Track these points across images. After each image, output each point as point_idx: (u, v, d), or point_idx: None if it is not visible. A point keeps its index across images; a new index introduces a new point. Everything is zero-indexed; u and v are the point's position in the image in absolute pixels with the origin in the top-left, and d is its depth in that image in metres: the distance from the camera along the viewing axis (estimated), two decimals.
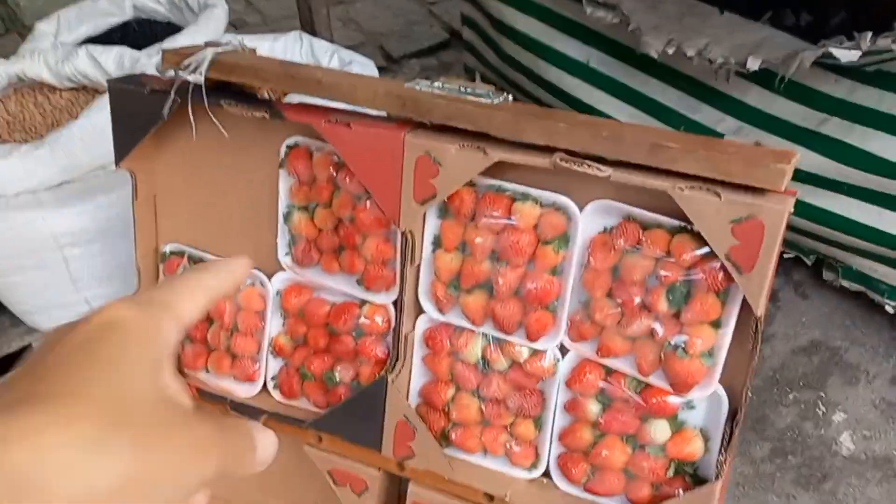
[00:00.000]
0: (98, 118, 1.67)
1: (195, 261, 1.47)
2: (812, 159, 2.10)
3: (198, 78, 1.25)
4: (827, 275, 2.42)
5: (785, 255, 2.53)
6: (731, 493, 2.02)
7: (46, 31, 2.27)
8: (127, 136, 1.36)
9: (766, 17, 2.40)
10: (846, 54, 1.89)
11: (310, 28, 2.78)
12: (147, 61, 1.84)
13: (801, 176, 2.15)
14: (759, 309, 1.05)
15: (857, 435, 2.13)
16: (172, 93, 1.27)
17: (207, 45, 1.29)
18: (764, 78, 2.12)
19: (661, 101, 2.42)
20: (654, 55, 2.21)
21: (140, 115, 1.33)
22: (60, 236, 1.68)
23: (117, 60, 1.88)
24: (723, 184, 1.03)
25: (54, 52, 1.90)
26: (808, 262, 2.46)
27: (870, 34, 1.87)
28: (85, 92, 2.00)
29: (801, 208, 2.22)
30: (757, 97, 2.19)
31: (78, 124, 1.67)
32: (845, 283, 2.37)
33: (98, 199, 1.70)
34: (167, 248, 1.49)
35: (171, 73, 1.29)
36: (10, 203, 1.67)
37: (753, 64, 2.01)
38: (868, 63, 1.96)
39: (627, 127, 1.08)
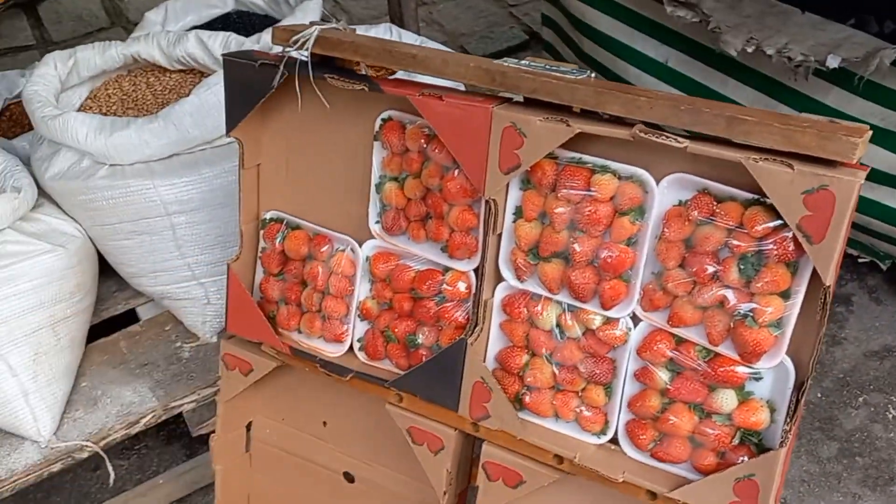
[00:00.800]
0: (207, 96, 1.81)
1: (293, 227, 1.58)
2: (889, 159, 2.10)
3: (303, 53, 1.36)
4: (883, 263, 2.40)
5: (860, 260, 2.51)
6: (796, 491, 2.03)
7: (154, 20, 2.44)
8: (238, 107, 1.49)
9: (850, 23, 2.40)
10: None
11: (398, 23, 2.90)
12: (252, 46, 1.97)
13: (877, 177, 2.15)
14: (829, 279, 1.09)
15: None
16: (281, 66, 1.38)
17: (313, 23, 1.41)
18: (843, 78, 2.12)
19: (738, 101, 2.45)
20: (734, 53, 2.24)
21: (250, 86, 1.45)
22: (169, 204, 1.83)
23: (224, 44, 2.02)
24: (796, 156, 1.08)
25: (166, 35, 2.06)
26: (883, 267, 2.44)
27: None
28: (192, 74, 2.15)
29: (877, 209, 2.21)
30: (835, 97, 2.19)
31: (189, 101, 1.82)
32: None
33: (203, 171, 1.84)
34: (268, 215, 1.61)
35: (280, 48, 1.41)
36: (125, 171, 1.82)
37: (833, 62, 2.03)
38: None
39: (705, 102, 1.14)
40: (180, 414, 1.91)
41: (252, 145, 1.56)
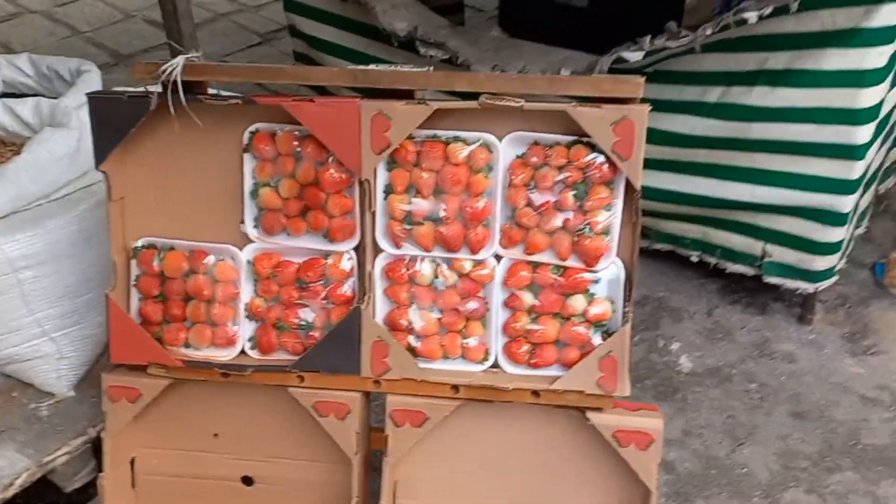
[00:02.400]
0: (40, 152, 1.83)
1: (167, 249, 1.69)
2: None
3: (176, 78, 1.52)
4: (642, 242, 2.98)
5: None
6: None
7: None
8: (105, 141, 1.59)
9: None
10: (633, 56, 2.48)
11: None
12: (64, 106, 2.02)
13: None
14: (638, 185, 1.49)
15: (692, 356, 2.65)
16: (156, 93, 1.53)
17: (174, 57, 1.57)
18: None
19: None
20: None
21: (119, 119, 1.57)
22: (15, 260, 1.79)
23: (34, 108, 2.04)
24: (602, 100, 1.47)
25: None
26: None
27: (649, 37, 2.47)
28: (1, 145, 2.12)
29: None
30: None
31: (22, 158, 1.82)
32: (658, 246, 2.93)
33: (46, 224, 1.83)
34: (139, 243, 1.70)
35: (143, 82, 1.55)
36: None
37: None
38: (649, 63, 2.56)
39: (531, 75, 1.51)
40: (44, 482, 1.86)
41: (116, 179, 1.65)
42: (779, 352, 2.65)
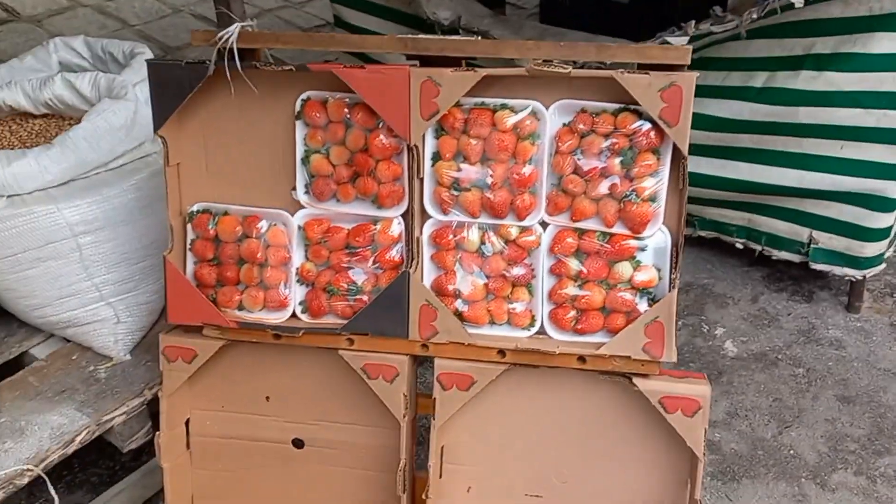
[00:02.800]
0: (99, 121, 1.90)
1: (221, 214, 1.74)
2: None
3: (233, 44, 1.57)
4: (686, 230, 2.97)
5: None
6: None
7: None
8: (164, 107, 1.65)
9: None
10: (677, 40, 2.48)
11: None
12: (121, 80, 2.09)
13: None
14: (685, 151, 1.50)
15: (737, 341, 2.64)
16: (214, 56, 1.58)
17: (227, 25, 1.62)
18: None
19: None
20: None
21: (177, 85, 1.62)
22: (75, 225, 1.86)
23: (92, 83, 2.11)
24: (649, 66, 1.48)
25: (30, 81, 2.10)
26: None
27: (693, 21, 2.47)
28: (55, 118, 2.19)
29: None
30: None
31: (82, 126, 1.89)
32: (702, 233, 2.92)
33: (104, 192, 1.89)
34: (194, 208, 1.75)
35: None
36: (25, 200, 1.83)
37: None
38: (694, 49, 2.56)
39: (579, 42, 1.53)
40: (100, 442, 1.92)
41: (173, 145, 1.71)
42: (826, 338, 2.63)
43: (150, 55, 2.47)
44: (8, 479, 1.70)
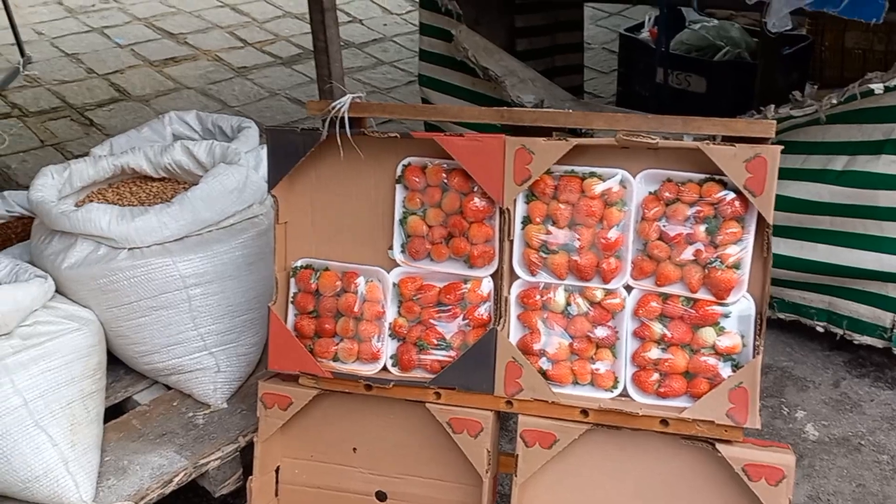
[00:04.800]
0: (215, 184, 2.06)
1: (322, 270, 1.86)
2: None
3: (343, 113, 1.72)
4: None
5: None
6: None
7: (100, 154, 2.67)
8: (279, 169, 1.80)
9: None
10: None
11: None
12: (234, 148, 2.27)
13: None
14: (770, 219, 1.56)
15: (818, 425, 2.60)
16: (326, 124, 1.73)
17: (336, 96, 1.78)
18: None
19: None
20: None
21: (292, 149, 1.78)
22: (187, 277, 2.01)
23: (208, 150, 2.30)
24: (733, 139, 1.57)
25: (152, 147, 2.31)
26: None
27: (773, 105, 2.56)
28: (171, 182, 2.39)
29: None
30: None
31: (200, 188, 2.06)
32: (781, 315, 2.92)
33: (214, 248, 2.04)
34: (298, 263, 1.88)
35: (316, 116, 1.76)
36: (144, 252, 1.99)
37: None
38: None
39: (665, 115, 1.63)
40: (193, 486, 2.01)
41: (283, 204, 1.85)
42: None
43: (255, 129, 2.67)
44: None
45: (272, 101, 5.09)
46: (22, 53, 5.07)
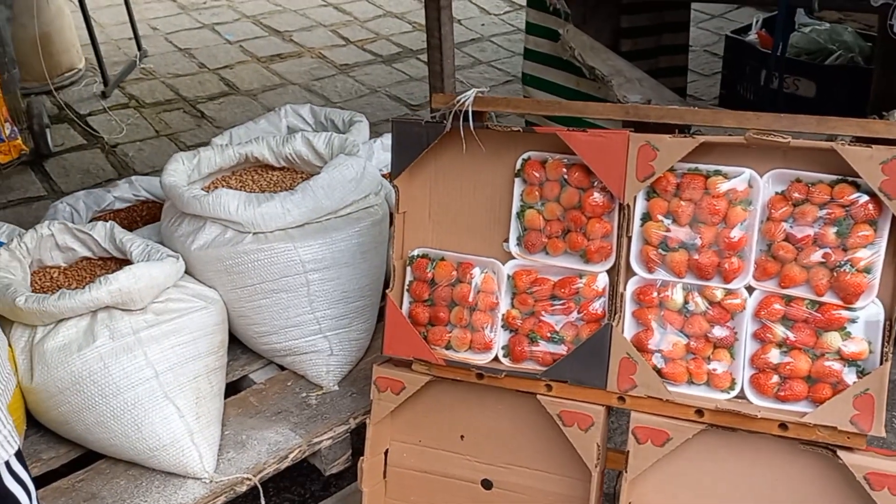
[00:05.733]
0: (335, 174, 2.14)
1: (438, 259, 1.90)
2: None
3: (468, 106, 1.75)
4: None
5: None
6: None
7: (219, 143, 2.79)
8: (402, 159, 1.85)
9: None
10: None
11: None
12: (353, 140, 2.34)
13: None
14: None
15: None
16: (450, 117, 1.77)
17: (464, 90, 1.81)
18: None
19: None
20: None
21: (415, 140, 1.82)
22: (307, 262, 2.09)
23: (327, 141, 2.38)
24: (870, 139, 1.53)
25: (275, 137, 2.40)
26: None
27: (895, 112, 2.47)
28: (290, 172, 2.47)
29: None
30: None
31: (321, 177, 2.13)
32: None
33: (333, 235, 2.11)
34: (415, 252, 1.92)
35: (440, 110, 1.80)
36: (268, 237, 2.08)
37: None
38: None
39: (797, 115, 1.60)
40: (303, 464, 2.08)
41: (404, 194, 1.90)
42: None
43: (366, 123, 2.75)
44: (230, 486, 1.89)
45: (372, 97, 5.19)
46: (139, 47, 5.33)
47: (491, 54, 6.02)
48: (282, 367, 2.27)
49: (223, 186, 2.34)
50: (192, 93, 5.03)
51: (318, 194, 2.11)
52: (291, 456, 1.98)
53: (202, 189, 2.32)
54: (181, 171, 2.24)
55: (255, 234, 2.08)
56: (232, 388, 2.22)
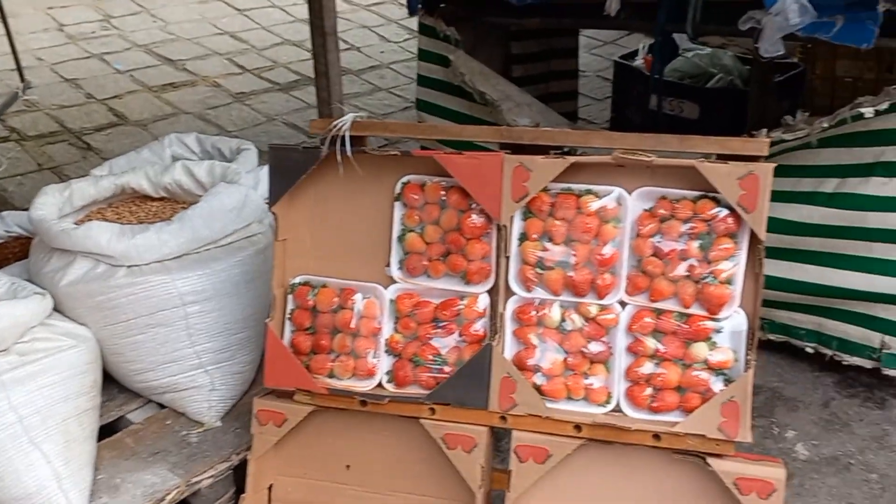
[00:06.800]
0: (214, 202, 2.08)
1: (320, 286, 1.88)
2: None
3: (346, 131, 1.75)
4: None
5: None
6: None
7: (97, 175, 2.69)
8: (280, 185, 1.82)
9: None
10: None
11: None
12: (234, 168, 2.29)
13: None
14: (762, 235, 1.59)
15: (808, 444, 2.62)
16: (327, 142, 1.76)
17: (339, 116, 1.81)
18: None
19: None
20: None
21: (293, 166, 1.80)
22: (185, 295, 2.01)
23: (209, 170, 2.32)
24: (727, 156, 1.60)
25: (153, 166, 2.33)
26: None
27: (765, 130, 2.59)
28: (170, 202, 2.40)
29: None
30: None
31: (200, 206, 2.07)
32: (771, 337, 2.94)
33: (213, 266, 2.05)
34: (296, 280, 1.89)
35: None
36: (143, 270, 2.00)
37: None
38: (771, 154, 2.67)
39: (661, 134, 1.66)
40: None
41: (283, 221, 1.87)
42: None
43: (254, 151, 2.70)
44: None
45: (269, 125, 5.13)
46: (22, 79, 5.12)
47: (390, 81, 6.05)
48: (161, 406, 2.19)
49: (98, 219, 2.26)
50: (78, 124, 4.87)
51: (197, 224, 2.05)
52: (169, 497, 1.90)
53: (75, 223, 2.23)
54: (51, 204, 2.15)
55: (129, 267, 2.01)
56: (108, 430, 2.13)
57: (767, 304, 2.85)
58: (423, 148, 3.11)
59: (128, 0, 6.83)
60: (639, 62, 5.06)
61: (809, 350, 2.87)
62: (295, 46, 6.38)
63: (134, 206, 2.34)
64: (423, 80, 3.73)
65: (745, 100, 4.38)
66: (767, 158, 2.50)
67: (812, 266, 2.71)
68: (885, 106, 2.45)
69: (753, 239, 1.61)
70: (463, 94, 3.47)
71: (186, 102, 5.31)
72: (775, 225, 2.67)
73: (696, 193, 1.65)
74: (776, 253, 2.74)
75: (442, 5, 3.50)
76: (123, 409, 2.19)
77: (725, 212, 1.63)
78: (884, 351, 2.68)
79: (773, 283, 2.76)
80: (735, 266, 1.64)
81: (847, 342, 2.77)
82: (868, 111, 2.46)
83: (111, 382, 2.20)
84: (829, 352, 2.82)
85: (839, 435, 2.65)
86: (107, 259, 2.01)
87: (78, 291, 2.01)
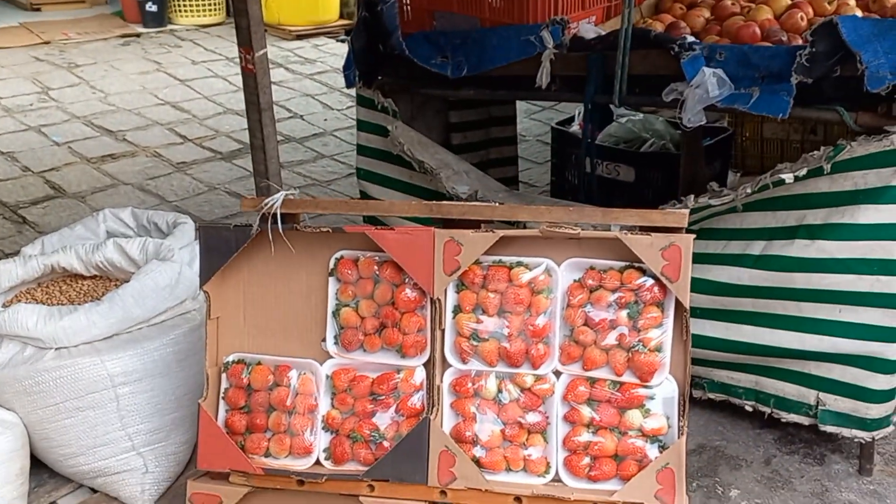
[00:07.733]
0: (147, 281, 2.06)
1: (255, 364, 1.86)
2: None
3: (276, 210, 1.76)
4: (695, 392, 3.04)
5: None
6: None
7: (31, 253, 2.64)
8: (211, 264, 1.81)
9: None
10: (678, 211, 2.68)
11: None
12: (168, 244, 2.27)
13: None
14: (687, 304, 1.63)
15: (752, 503, 2.64)
16: (257, 221, 1.76)
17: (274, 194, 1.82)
18: None
19: None
20: None
21: (224, 245, 1.80)
22: (115, 376, 1.97)
23: (141, 247, 2.30)
24: (650, 228, 1.65)
25: (83, 245, 2.29)
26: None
27: (693, 195, 2.68)
28: (104, 280, 2.36)
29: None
30: None
31: (131, 285, 2.05)
32: (711, 395, 2.99)
33: (145, 345, 2.02)
34: (230, 358, 1.87)
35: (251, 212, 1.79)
36: (71, 352, 1.96)
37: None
38: (694, 221, 2.76)
39: (586, 206, 1.70)
40: None
41: (215, 299, 1.86)
42: (839, 501, 2.63)
43: (191, 225, 2.69)
44: None
45: (211, 195, 5.10)
46: None
47: (334, 148, 6.09)
48: (94, 490, 2.12)
49: (27, 299, 2.21)
50: (14, 198, 4.77)
51: (128, 303, 2.03)
52: None
53: (3, 304, 2.19)
54: None
55: (57, 349, 1.97)
56: None
57: (706, 363, 2.91)
58: (363, 220, 3.14)
59: (67, 72, 6.81)
60: (575, 128, 5.21)
61: (749, 408, 2.91)
62: (237, 115, 6.39)
63: (64, 286, 2.30)
64: (362, 150, 3.77)
65: (677, 163, 4.52)
66: (698, 222, 2.60)
67: (746, 326, 2.77)
68: (803, 172, 2.55)
69: (679, 307, 1.66)
70: (403, 162, 3.52)
71: (126, 173, 5.26)
72: (708, 286, 2.75)
73: (623, 263, 1.70)
74: (712, 314, 2.80)
75: (379, 77, 3.57)
76: (54, 496, 2.12)
77: (651, 281, 1.67)
78: (820, 408, 2.74)
79: (711, 343, 2.82)
80: (663, 334, 1.67)
81: (784, 400, 2.82)
82: (788, 177, 2.56)
83: (41, 467, 2.13)
84: (767, 409, 2.86)
85: (781, 493, 2.68)
86: (34, 342, 1.97)
87: (5, 376, 1.96)
